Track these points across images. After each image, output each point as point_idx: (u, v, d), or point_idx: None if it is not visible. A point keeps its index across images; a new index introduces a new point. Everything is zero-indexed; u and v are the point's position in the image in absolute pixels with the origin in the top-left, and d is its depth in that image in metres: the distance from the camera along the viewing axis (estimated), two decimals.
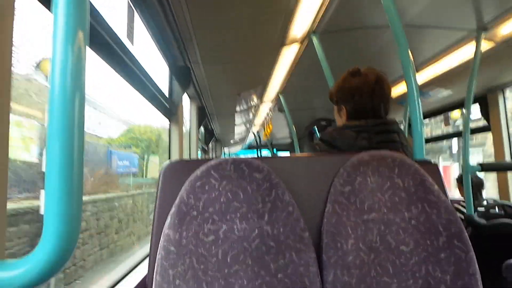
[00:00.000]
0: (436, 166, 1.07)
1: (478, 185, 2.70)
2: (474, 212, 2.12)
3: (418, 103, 1.25)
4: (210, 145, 5.92)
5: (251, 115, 5.10)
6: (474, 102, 2.71)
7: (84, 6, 0.47)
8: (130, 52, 1.33)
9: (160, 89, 1.79)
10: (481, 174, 2.81)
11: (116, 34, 1.16)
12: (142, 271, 1.15)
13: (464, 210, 2.19)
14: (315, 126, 5.30)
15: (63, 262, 0.45)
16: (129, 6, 1.39)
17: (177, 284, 0.81)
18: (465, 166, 2.12)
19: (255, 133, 7.25)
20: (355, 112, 1.26)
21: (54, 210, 0.43)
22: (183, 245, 0.84)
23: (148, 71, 1.61)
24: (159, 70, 2.21)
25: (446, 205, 0.92)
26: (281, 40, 2.24)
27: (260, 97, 3.99)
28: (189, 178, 0.91)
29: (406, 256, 0.89)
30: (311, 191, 0.98)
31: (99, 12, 0.99)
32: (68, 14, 0.45)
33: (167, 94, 2.14)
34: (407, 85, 1.29)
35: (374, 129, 1.19)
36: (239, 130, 6.45)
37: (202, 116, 3.69)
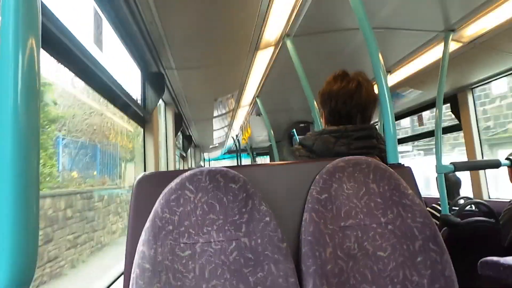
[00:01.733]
0: (409, 169, 1.08)
1: (455, 185, 2.77)
2: (450, 211, 2.17)
3: (390, 105, 1.26)
4: (189, 151, 5.85)
5: (229, 119, 5.08)
6: (445, 101, 2.78)
7: (34, 11, 0.44)
8: (97, 60, 1.28)
9: (132, 97, 1.74)
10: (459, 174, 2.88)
11: (79, 41, 1.11)
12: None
13: (440, 209, 2.24)
14: (294, 129, 5.33)
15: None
16: (96, 12, 1.34)
17: None
18: (438, 166, 2.16)
19: (234, 138, 7.22)
20: (331, 117, 1.26)
21: (7, 241, 0.39)
22: (158, 262, 0.81)
23: (118, 79, 1.56)
24: (131, 77, 2.15)
25: (421, 208, 0.92)
26: (255, 44, 2.23)
27: (237, 101, 3.97)
28: (164, 191, 0.88)
29: (384, 262, 0.89)
30: (288, 199, 0.97)
31: (58, 18, 0.94)
32: (16, 19, 0.42)
33: (140, 102, 2.08)
34: (378, 87, 1.30)
35: (353, 134, 1.18)
36: (217, 135, 6.40)
37: (179, 123, 3.63)
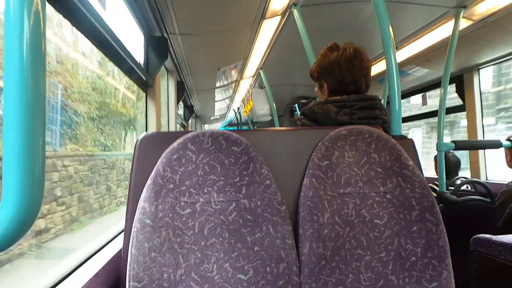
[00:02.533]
0: (412, 142, 1.09)
1: (455, 164, 2.78)
2: (447, 189, 2.19)
3: (397, 80, 1.26)
4: (190, 121, 5.85)
5: (231, 91, 5.05)
6: (451, 81, 2.76)
7: None
8: (103, 20, 1.26)
9: (136, 60, 1.73)
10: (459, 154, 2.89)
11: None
12: (117, 244, 1.14)
13: (437, 188, 2.27)
14: (296, 104, 5.31)
15: (23, 230, 0.42)
16: None
17: (153, 257, 0.80)
18: (439, 144, 2.17)
19: (236, 110, 7.20)
20: (336, 86, 1.26)
21: (14, 175, 0.40)
22: (159, 218, 0.83)
23: (124, 42, 1.53)
24: (134, 41, 2.12)
25: (420, 179, 0.93)
26: (262, 12, 2.18)
27: (241, 73, 3.93)
28: (166, 151, 0.89)
29: (380, 229, 0.91)
30: (289, 165, 0.98)
31: None
32: None
33: (143, 66, 2.06)
34: (386, 62, 1.29)
35: (356, 104, 1.18)
36: (219, 106, 6.38)
37: (181, 91, 3.61)
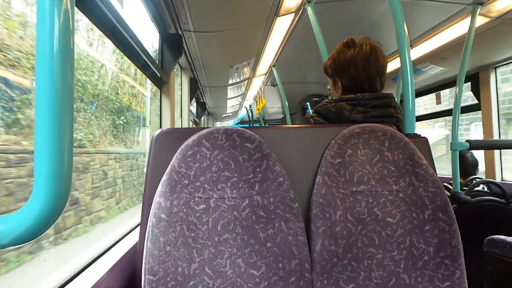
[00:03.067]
0: (426, 140, 1.08)
1: (473, 165, 2.74)
2: (461, 189, 2.16)
3: (411, 78, 1.25)
4: (202, 118, 5.88)
5: (243, 88, 5.05)
6: (466, 80, 2.71)
7: None
8: (121, 16, 1.28)
9: (151, 57, 1.75)
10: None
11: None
12: (133, 238, 1.16)
13: (451, 188, 2.24)
14: (308, 102, 5.29)
15: (52, 221, 0.45)
16: None
17: (168, 251, 0.82)
18: (453, 143, 2.14)
19: (248, 108, 7.21)
20: (350, 84, 1.24)
21: (45, 168, 0.43)
22: (174, 213, 0.84)
23: (140, 39, 1.56)
24: (149, 38, 2.15)
25: (434, 178, 0.93)
26: (276, 9, 2.18)
27: (253, 70, 3.94)
28: (181, 147, 0.90)
29: (392, 228, 0.91)
30: (302, 162, 0.99)
31: None
32: None
33: (158, 63, 2.09)
34: (401, 59, 1.28)
35: (370, 103, 1.17)
36: (231, 104, 6.39)
37: (194, 88, 3.63)
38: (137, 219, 1.09)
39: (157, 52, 2.24)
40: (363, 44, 1.23)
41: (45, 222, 0.44)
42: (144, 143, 4.10)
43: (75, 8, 0.96)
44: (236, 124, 9.90)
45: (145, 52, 1.61)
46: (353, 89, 1.24)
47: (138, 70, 1.96)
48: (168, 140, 0.97)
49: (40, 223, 0.43)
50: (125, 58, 1.73)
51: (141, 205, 0.94)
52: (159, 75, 1.97)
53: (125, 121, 3.32)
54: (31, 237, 0.44)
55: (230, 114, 7.93)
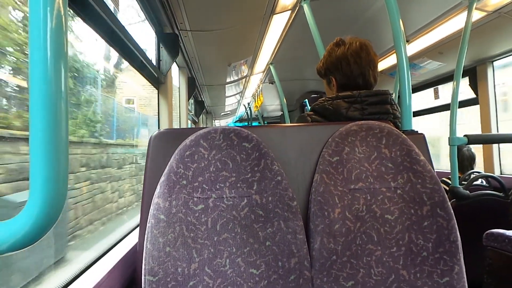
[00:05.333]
0: (423, 136, 1.08)
1: (470, 159, 2.74)
2: (460, 184, 2.17)
3: (408, 74, 1.25)
4: (200, 117, 5.88)
5: (241, 86, 5.05)
6: (464, 74, 2.71)
7: None
8: (116, 16, 1.28)
9: (148, 57, 1.75)
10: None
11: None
12: (132, 239, 1.17)
13: (450, 183, 2.24)
14: (306, 99, 5.29)
15: (50, 224, 0.45)
16: None
17: (167, 252, 0.82)
18: (451, 138, 2.15)
19: (246, 105, 7.20)
20: (345, 81, 1.26)
21: (40, 171, 0.43)
22: (172, 214, 0.84)
23: (136, 39, 1.56)
24: (145, 38, 2.14)
25: (431, 174, 0.93)
26: (272, 7, 2.18)
27: (251, 68, 3.93)
28: (178, 148, 0.90)
29: (391, 225, 0.91)
30: (299, 160, 0.99)
31: None
32: None
33: (155, 63, 2.09)
34: (397, 55, 1.28)
35: (367, 100, 1.18)
36: (229, 102, 6.39)
37: (192, 87, 3.63)
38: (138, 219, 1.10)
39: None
40: (352, 42, 1.26)
41: (43, 226, 0.44)
42: None
43: (69, 9, 0.96)
44: (235, 122, 9.90)
45: (141, 52, 1.61)
46: (347, 85, 1.25)
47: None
48: (166, 141, 0.97)
49: (38, 227, 0.43)
50: None
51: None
52: (156, 75, 1.97)
53: None
54: (30, 242, 0.44)
55: (228, 112, 7.93)
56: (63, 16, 0.44)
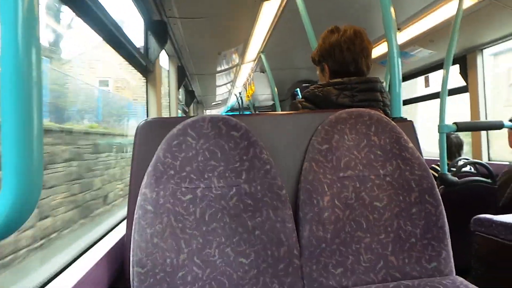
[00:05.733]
0: (411, 124, 1.09)
1: (458, 146, 2.77)
2: (449, 171, 2.19)
3: (398, 62, 1.25)
4: (191, 107, 5.83)
5: (232, 75, 5.01)
6: (454, 62, 2.72)
7: None
8: (100, 3, 1.24)
9: (135, 45, 1.71)
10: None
11: None
12: (120, 231, 1.15)
13: (439, 169, 2.26)
14: (298, 88, 5.27)
15: (23, 218, 0.43)
16: None
17: (155, 243, 0.81)
18: (440, 125, 2.16)
19: (237, 95, 7.17)
20: (337, 67, 1.25)
21: (13, 163, 0.41)
22: (160, 204, 0.83)
23: (122, 27, 1.52)
24: (133, 25, 2.10)
25: (420, 161, 0.94)
26: None
27: (242, 57, 3.90)
28: (166, 137, 0.89)
29: (380, 212, 0.92)
30: (289, 149, 0.98)
31: None
32: None
33: (143, 51, 2.04)
34: (388, 44, 1.27)
35: (357, 87, 1.18)
36: (220, 91, 6.35)
37: (182, 76, 3.59)
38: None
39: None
40: (346, 29, 1.25)
41: (16, 220, 0.42)
42: None
43: None
44: (226, 112, 9.87)
45: (128, 40, 1.57)
46: (340, 72, 1.24)
47: None
48: (153, 130, 0.95)
49: (11, 221, 0.42)
50: None
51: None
52: (144, 64, 1.93)
53: None
54: (2, 236, 0.42)
55: (219, 102, 7.88)
56: (35, 5, 0.42)
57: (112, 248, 0.96)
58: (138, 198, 0.84)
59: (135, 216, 0.83)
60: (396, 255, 0.90)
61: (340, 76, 1.22)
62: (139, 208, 0.83)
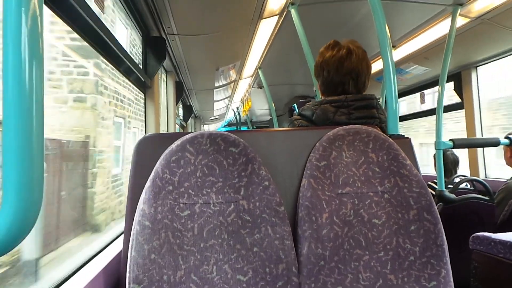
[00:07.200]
0: (409, 140, 1.09)
1: (453, 163, 2.78)
2: (446, 188, 2.19)
3: (394, 79, 1.26)
4: (189, 121, 5.84)
5: (230, 91, 5.04)
6: (449, 79, 2.76)
7: None
8: (100, 20, 1.25)
9: (134, 61, 1.72)
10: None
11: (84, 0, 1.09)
12: (117, 246, 1.14)
13: (436, 187, 2.26)
14: (295, 104, 5.31)
15: (24, 233, 0.43)
16: None
17: (152, 259, 0.80)
18: (437, 142, 2.17)
19: (235, 110, 7.20)
20: (325, 87, 1.27)
21: (14, 177, 0.41)
22: (158, 220, 0.83)
23: (122, 43, 1.53)
24: (132, 41, 2.11)
25: (418, 179, 0.94)
26: (259, 12, 2.18)
27: (239, 72, 3.93)
28: (164, 152, 0.89)
29: (378, 229, 0.91)
30: (287, 165, 0.98)
31: None
32: None
33: (141, 67, 2.06)
34: (383, 61, 1.29)
35: (353, 104, 1.18)
36: (218, 106, 6.37)
37: (180, 91, 3.61)
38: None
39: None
40: (341, 47, 1.24)
41: (17, 235, 0.42)
42: None
43: (49, 8, 0.93)
44: (224, 127, 9.89)
45: (127, 56, 1.58)
46: (328, 91, 1.25)
47: None
48: (152, 146, 0.95)
49: (12, 237, 0.41)
50: None
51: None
52: (142, 79, 1.94)
53: None
54: (3, 251, 0.42)
55: (217, 116, 7.91)
56: (39, 17, 0.43)
57: (108, 264, 0.95)
58: (136, 213, 0.84)
59: (133, 231, 0.82)
60: (395, 274, 0.89)
61: (329, 94, 1.24)
62: (136, 223, 0.82)
